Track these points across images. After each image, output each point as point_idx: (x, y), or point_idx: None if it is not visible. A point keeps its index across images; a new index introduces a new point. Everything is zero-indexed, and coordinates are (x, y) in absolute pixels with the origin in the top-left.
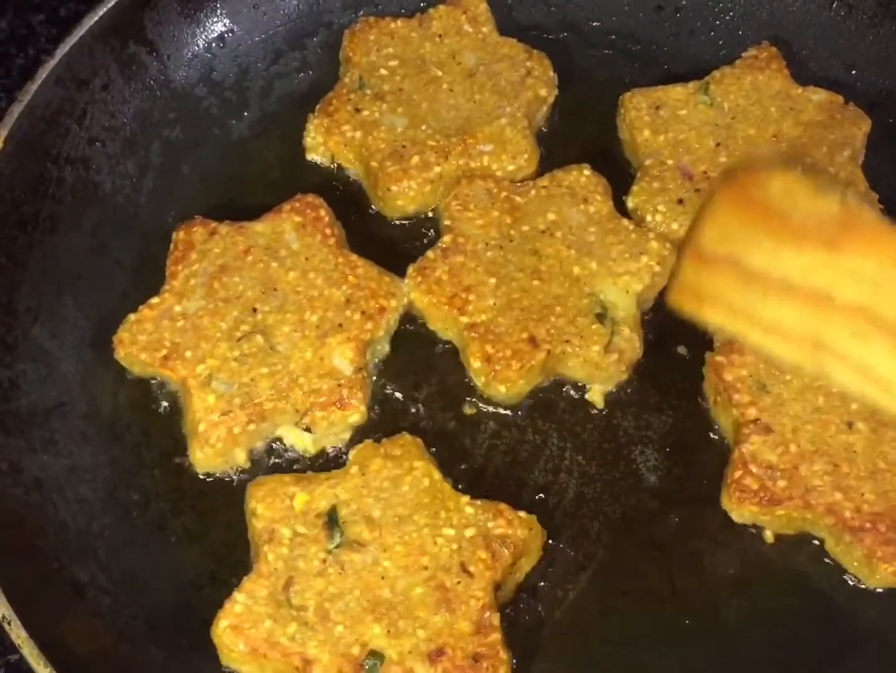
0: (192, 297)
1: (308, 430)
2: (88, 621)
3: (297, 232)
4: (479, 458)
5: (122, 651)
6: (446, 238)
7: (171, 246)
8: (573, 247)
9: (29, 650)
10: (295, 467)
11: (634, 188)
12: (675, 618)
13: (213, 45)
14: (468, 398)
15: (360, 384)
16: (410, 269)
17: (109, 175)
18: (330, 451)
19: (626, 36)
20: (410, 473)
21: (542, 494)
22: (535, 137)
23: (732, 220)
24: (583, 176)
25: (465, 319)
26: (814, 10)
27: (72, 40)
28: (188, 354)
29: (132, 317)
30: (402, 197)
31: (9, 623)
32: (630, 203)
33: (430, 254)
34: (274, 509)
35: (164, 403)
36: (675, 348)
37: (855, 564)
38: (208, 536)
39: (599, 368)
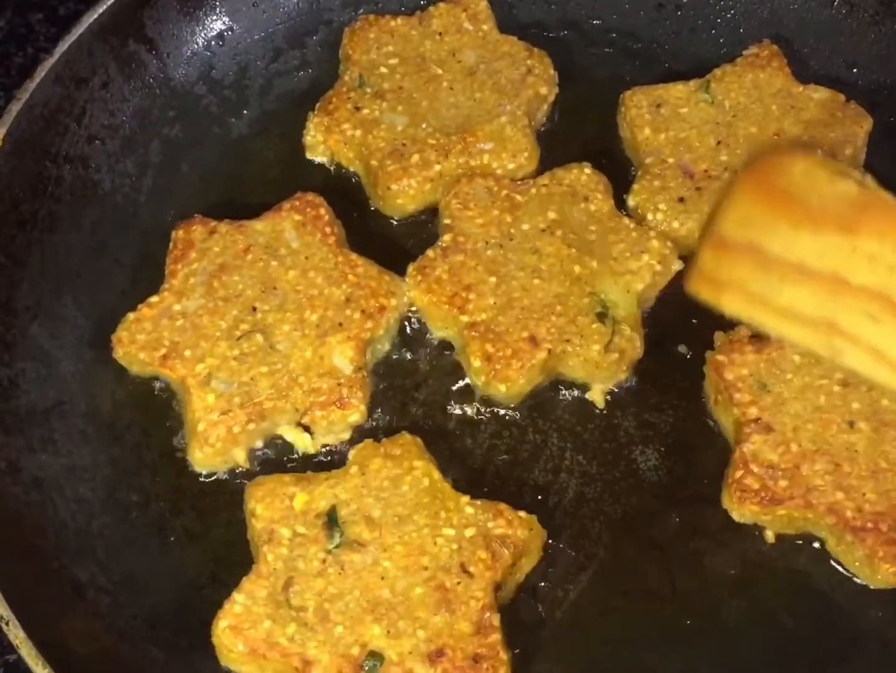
0: (191, 295)
1: (308, 429)
2: (88, 621)
3: (296, 231)
4: (479, 458)
5: (122, 651)
6: (446, 237)
7: (171, 245)
8: (574, 246)
9: (27, 651)
10: (295, 467)
11: (635, 187)
12: (676, 618)
13: (213, 43)
14: (468, 398)
15: (360, 383)
16: (410, 268)
17: (109, 174)
18: (330, 450)
19: (627, 34)
20: (410, 473)
21: (542, 494)
22: (535, 136)
23: (753, 206)
24: (583, 174)
25: (465, 318)
26: (815, 8)
27: (71, 38)
28: (187, 353)
29: (131, 316)
30: (402, 195)
31: (7, 623)
32: (631, 202)
33: (430, 253)
34: (273, 509)
35: (164, 403)
36: (675, 347)
37: (856, 564)
38: (208, 536)
39: (600, 368)
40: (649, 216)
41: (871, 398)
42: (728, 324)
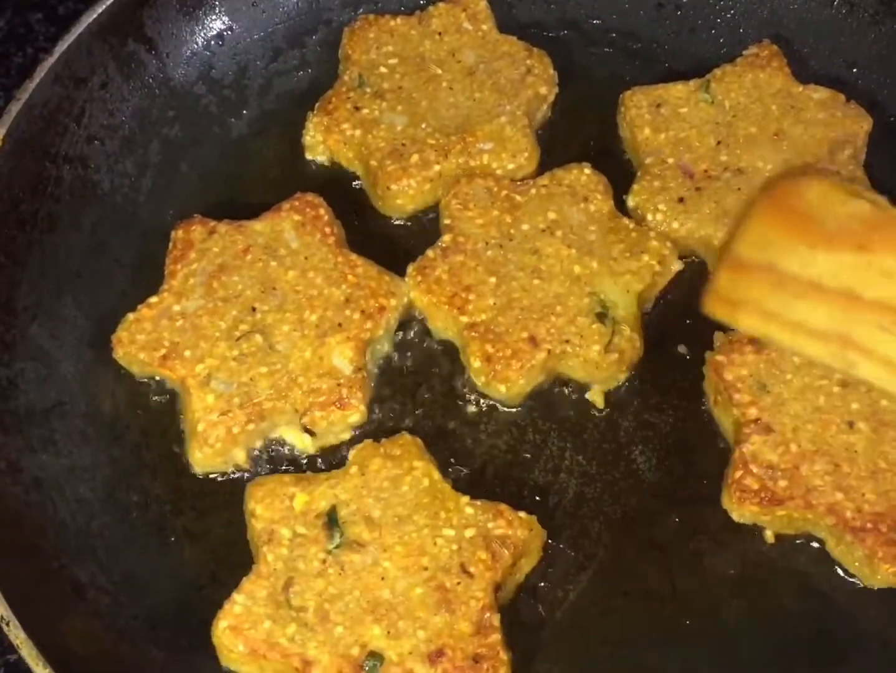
0: (191, 296)
1: (307, 429)
2: (88, 621)
3: (296, 231)
4: (479, 458)
5: (122, 651)
6: (446, 237)
7: (170, 245)
8: (573, 246)
9: (28, 651)
10: (294, 467)
11: (635, 187)
12: (676, 618)
13: (212, 42)
14: (468, 398)
15: (360, 384)
16: (410, 269)
17: (108, 174)
18: (330, 450)
19: (627, 34)
20: (410, 473)
21: (542, 495)
22: (535, 136)
23: (771, 229)
24: (583, 175)
25: (465, 319)
26: (815, 8)
27: (70, 38)
28: (187, 353)
29: (131, 316)
30: (401, 196)
31: (7, 624)
32: (631, 202)
33: (429, 253)
34: (273, 510)
35: (164, 403)
36: (675, 348)
37: (856, 564)
38: (208, 536)
39: (600, 368)
40: (649, 216)
41: (871, 399)
42: (728, 324)
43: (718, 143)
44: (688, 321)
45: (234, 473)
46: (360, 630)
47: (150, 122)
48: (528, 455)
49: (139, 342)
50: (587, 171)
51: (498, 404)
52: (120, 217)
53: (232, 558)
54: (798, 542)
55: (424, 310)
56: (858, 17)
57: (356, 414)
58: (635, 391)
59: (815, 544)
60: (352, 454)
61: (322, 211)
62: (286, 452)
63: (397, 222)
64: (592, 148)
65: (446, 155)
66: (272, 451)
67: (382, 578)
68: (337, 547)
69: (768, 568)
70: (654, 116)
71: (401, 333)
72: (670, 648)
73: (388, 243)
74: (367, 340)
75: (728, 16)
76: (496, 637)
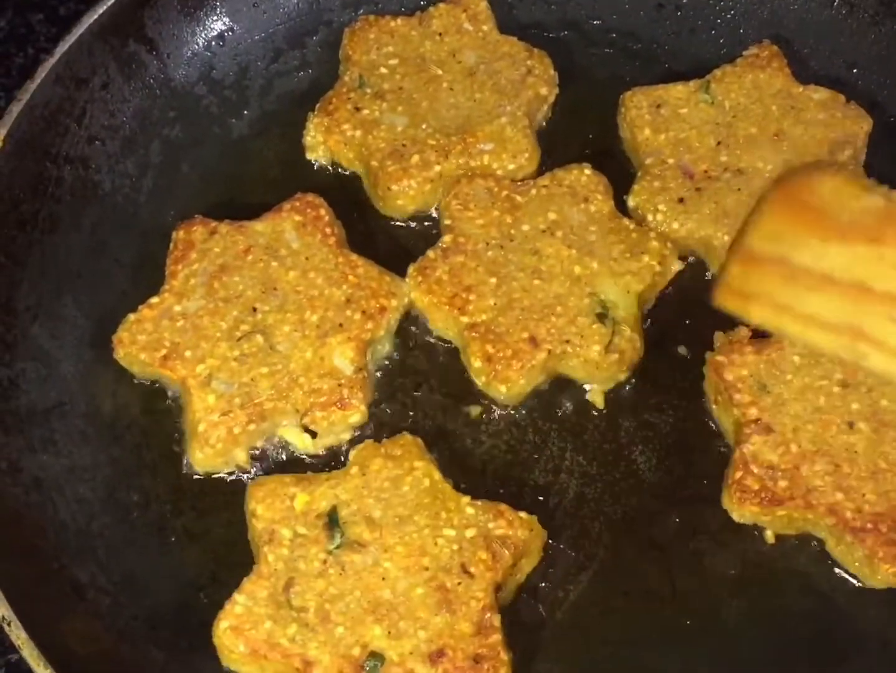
0: (191, 296)
1: (308, 430)
2: (88, 622)
3: (297, 231)
4: (479, 458)
5: (122, 652)
6: (447, 238)
7: (171, 245)
8: (574, 246)
9: (29, 651)
10: (295, 468)
11: (635, 187)
12: (676, 618)
13: (213, 43)
14: (468, 398)
15: (361, 384)
16: (411, 269)
17: (109, 174)
18: (330, 451)
19: (627, 34)
20: (411, 474)
21: (542, 495)
22: (535, 136)
23: (783, 222)
24: (583, 175)
25: (465, 319)
26: (815, 9)
27: (71, 39)
28: (188, 353)
29: (132, 316)
30: (402, 196)
31: (9, 624)
32: (631, 202)
33: (430, 253)
34: (274, 510)
35: (164, 403)
36: (675, 348)
37: (856, 564)
38: (208, 536)
39: (600, 368)
40: (649, 217)
41: (871, 399)
42: (728, 324)
43: (718, 143)
44: (688, 321)
45: (234, 473)
46: (360, 630)
47: (151, 122)
48: (528, 455)
49: (140, 342)
50: (587, 171)
51: (498, 405)
52: (121, 217)
53: (232, 558)
54: (798, 542)
55: (425, 310)
56: (858, 17)
57: (357, 414)
58: (635, 391)
59: (815, 544)
60: (352, 454)
61: (323, 211)
62: (287, 452)
63: (398, 223)
64: (593, 148)
65: (447, 155)
66: (273, 451)
67: (383, 579)
68: (338, 547)
69: (768, 568)
70: (654, 117)
71: (401, 334)
72: (670, 648)
73: (389, 244)
74: (367, 341)
75: (728, 16)
76: (497, 637)
